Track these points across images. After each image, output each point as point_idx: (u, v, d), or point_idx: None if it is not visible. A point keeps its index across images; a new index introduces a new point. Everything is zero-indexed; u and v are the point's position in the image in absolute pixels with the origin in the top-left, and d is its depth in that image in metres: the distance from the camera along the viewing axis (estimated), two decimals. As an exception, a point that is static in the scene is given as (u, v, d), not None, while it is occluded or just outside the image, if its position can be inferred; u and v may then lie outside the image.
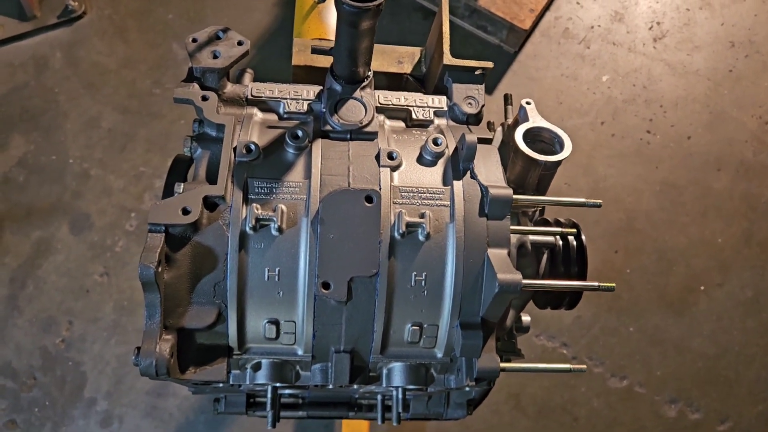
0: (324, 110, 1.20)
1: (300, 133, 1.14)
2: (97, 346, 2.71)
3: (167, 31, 3.24)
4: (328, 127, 1.19)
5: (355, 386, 1.19)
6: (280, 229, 1.07)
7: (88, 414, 2.64)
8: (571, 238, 1.31)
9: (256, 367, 1.15)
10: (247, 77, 1.36)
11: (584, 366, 1.19)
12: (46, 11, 3.18)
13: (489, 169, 1.15)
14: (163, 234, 1.03)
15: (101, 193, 2.93)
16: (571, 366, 1.19)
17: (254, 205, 1.07)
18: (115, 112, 3.06)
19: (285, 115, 1.24)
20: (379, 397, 1.40)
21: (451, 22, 1.38)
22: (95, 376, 2.68)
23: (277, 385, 1.15)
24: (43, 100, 3.07)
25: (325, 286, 1.06)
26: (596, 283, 1.13)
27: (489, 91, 3.11)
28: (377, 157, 1.14)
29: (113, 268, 2.82)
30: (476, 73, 1.33)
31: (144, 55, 3.18)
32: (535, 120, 1.31)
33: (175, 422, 2.65)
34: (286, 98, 1.25)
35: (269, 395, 1.19)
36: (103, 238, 2.86)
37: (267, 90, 1.26)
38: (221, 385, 1.16)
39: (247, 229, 1.06)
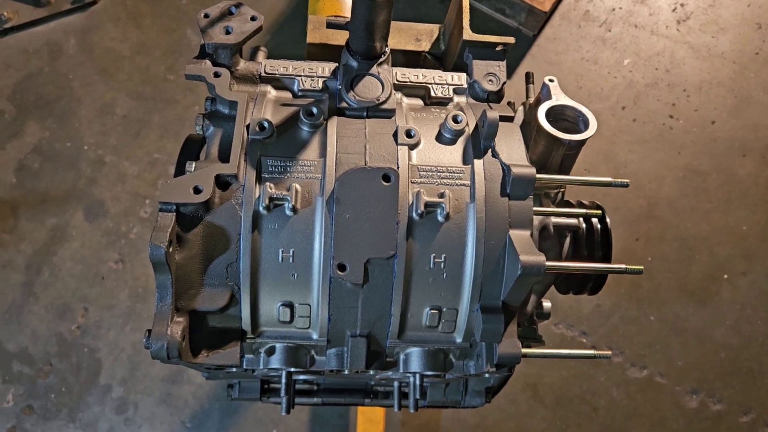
0: (339, 87, 1.16)
1: (315, 110, 1.10)
2: (113, 333, 2.71)
3: (181, 16, 3.21)
4: (344, 104, 1.15)
5: (372, 372, 1.16)
6: (294, 209, 1.03)
7: (103, 400, 2.64)
8: (595, 220, 1.27)
9: (270, 352, 1.12)
10: (261, 55, 1.32)
11: (609, 352, 1.15)
12: (60, -3, 3.17)
13: (511, 148, 1.11)
14: (174, 213, 1.00)
15: (116, 179, 2.92)
16: (596, 352, 1.14)
17: (268, 184, 1.04)
18: (129, 99, 3.05)
19: (299, 93, 1.21)
20: (395, 383, 1.37)
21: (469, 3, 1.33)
22: (110, 363, 2.68)
23: (292, 370, 1.12)
24: (58, 87, 3.06)
25: (341, 268, 1.03)
26: (623, 266, 1.08)
27: (507, 75, 3.05)
28: (395, 135, 1.10)
29: (128, 255, 2.81)
30: (497, 49, 1.28)
31: (158, 41, 3.16)
32: (559, 98, 1.26)
33: (190, 409, 2.64)
34: (300, 75, 1.21)
35: (283, 381, 1.16)
36: (118, 225, 2.85)
37: (281, 67, 1.22)
38: (234, 369, 1.14)
39: (261, 208, 1.03)
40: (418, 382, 1.18)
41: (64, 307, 2.74)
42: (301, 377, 1.43)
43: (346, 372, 1.13)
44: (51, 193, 2.89)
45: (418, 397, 1.20)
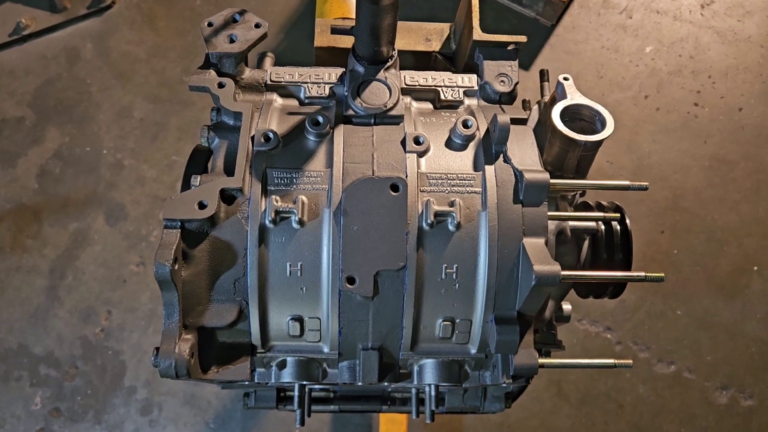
0: (346, 94, 1.13)
1: (321, 119, 1.08)
2: (136, 335, 2.74)
3: (195, 18, 3.20)
4: (351, 112, 1.12)
5: (385, 383, 1.14)
6: (301, 222, 1.01)
7: (128, 402, 2.66)
8: (614, 223, 1.22)
9: (282, 365, 1.10)
10: (268, 61, 1.30)
11: (630, 361, 1.11)
12: (76, 2, 3.18)
13: (524, 152, 1.07)
14: (179, 230, 0.99)
15: (135, 183, 2.94)
16: (616, 361, 1.11)
17: (274, 197, 1.02)
18: (146, 102, 3.06)
19: (306, 100, 1.19)
20: (413, 390, 1.35)
21: (483, -5, 1.29)
22: (134, 365, 2.70)
23: (304, 383, 1.11)
24: (76, 92, 3.08)
25: (350, 280, 1.01)
26: (643, 274, 1.04)
27: (525, 67, 2.99)
28: (403, 142, 1.07)
29: (149, 257, 2.83)
30: (509, 48, 1.24)
31: (173, 43, 3.16)
32: (574, 97, 1.22)
33: (214, 410, 2.66)
34: (306, 82, 1.19)
35: (296, 394, 1.15)
36: (138, 228, 2.87)
37: (287, 74, 1.20)
38: (247, 382, 1.13)
39: (267, 222, 1.01)
40: (433, 393, 1.15)
41: (87, 311, 2.77)
42: (318, 386, 1.42)
43: (359, 384, 1.11)
44: (72, 198, 2.92)
45: (434, 407, 1.17)
